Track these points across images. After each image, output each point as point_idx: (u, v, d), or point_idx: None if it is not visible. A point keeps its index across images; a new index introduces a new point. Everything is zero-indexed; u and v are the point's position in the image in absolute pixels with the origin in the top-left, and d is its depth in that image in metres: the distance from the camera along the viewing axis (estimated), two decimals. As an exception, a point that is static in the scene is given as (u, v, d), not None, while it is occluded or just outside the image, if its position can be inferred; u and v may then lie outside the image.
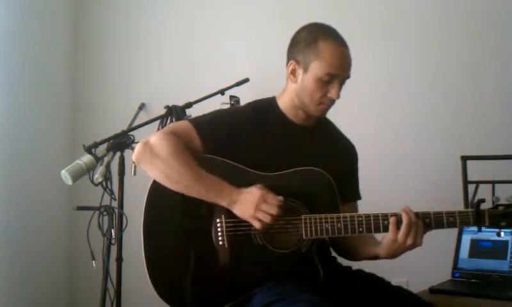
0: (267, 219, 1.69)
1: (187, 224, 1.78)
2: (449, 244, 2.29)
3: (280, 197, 1.71)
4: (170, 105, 2.76)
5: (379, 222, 1.73)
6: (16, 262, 3.20)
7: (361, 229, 1.73)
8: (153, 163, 1.77)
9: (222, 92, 2.88)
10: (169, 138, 1.77)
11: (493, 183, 2.22)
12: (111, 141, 2.52)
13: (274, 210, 1.69)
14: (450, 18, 2.87)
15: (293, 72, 1.84)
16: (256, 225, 1.71)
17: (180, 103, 2.77)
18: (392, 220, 1.71)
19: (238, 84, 2.90)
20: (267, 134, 1.85)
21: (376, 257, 1.82)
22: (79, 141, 2.64)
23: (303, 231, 1.74)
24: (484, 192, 2.17)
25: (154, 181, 1.79)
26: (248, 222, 1.72)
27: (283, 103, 1.89)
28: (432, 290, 2.11)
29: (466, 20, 2.84)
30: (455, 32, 2.85)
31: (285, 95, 1.88)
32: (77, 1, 3.68)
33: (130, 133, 2.59)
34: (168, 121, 2.72)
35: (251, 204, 1.69)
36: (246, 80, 2.92)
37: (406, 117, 2.91)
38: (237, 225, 1.74)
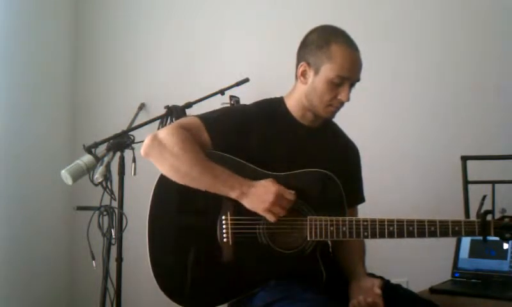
0: (283, 212, 1.72)
1: (192, 220, 1.79)
2: (449, 244, 2.29)
3: (293, 192, 1.74)
4: (170, 105, 2.76)
5: (384, 228, 1.72)
6: (16, 262, 3.20)
7: (366, 233, 1.73)
8: (162, 156, 1.77)
9: (222, 92, 2.88)
10: (178, 132, 1.77)
11: (493, 183, 2.22)
12: (111, 141, 2.52)
13: (290, 204, 1.72)
14: (450, 18, 2.87)
15: (303, 74, 1.84)
16: (270, 218, 1.72)
17: (180, 103, 2.77)
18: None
19: (238, 84, 2.90)
20: (275, 134, 1.85)
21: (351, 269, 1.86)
22: (79, 141, 2.64)
23: (308, 233, 1.74)
24: (484, 192, 2.17)
25: (160, 179, 1.79)
26: (253, 219, 1.73)
27: (291, 104, 1.89)
28: (432, 290, 2.11)
29: (466, 20, 2.84)
30: (455, 32, 2.85)
31: (294, 96, 1.89)
32: (77, 1, 3.68)
33: (130, 133, 2.59)
34: (168, 121, 2.72)
35: (267, 197, 1.70)
36: (246, 80, 2.92)
37: (406, 117, 2.91)
38: (242, 223, 1.75)
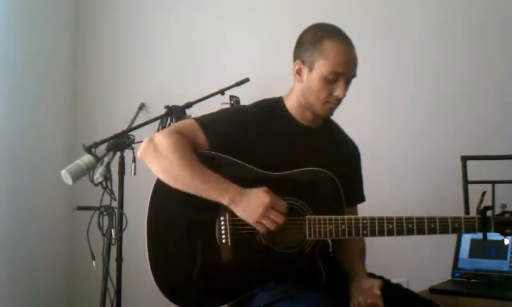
0: (273, 226, 1.70)
1: (190, 221, 1.78)
2: (449, 244, 2.29)
3: (285, 204, 1.71)
4: (170, 105, 2.76)
5: (383, 226, 1.72)
6: (16, 262, 3.20)
7: (365, 232, 1.73)
8: (155, 159, 1.77)
9: (222, 92, 2.88)
10: (173, 136, 1.77)
11: (493, 183, 2.22)
12: (111, 141, 2.52)
13: (281, 219, 1.69)
14: (450, 18, 2.87)
15: (299, 72, 1.84)
16: (261, 230, 1.71)
17: (180, 103, 2.77)
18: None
19: (238, 84, 2.90)
20: (274, 134, 1.85)
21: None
22: (79, 141, 2.64)
23: (307, 232, 1.74)
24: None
25: (158, 180, 1.79)
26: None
27: (290, 104, 1.89)
28: (432, 290, 2.11)
29: (466, 20, 2.84)
30: (455, 32, 2.85)
31: (292, 95, 1.89)
32: (77, 1, 3.68)
33: (130, 133, 2.59)
34: (168, 121, 2.72)
35: (257, 208, 1.68)
36: (246, 80, 2.92)
37: (406, 117, 2.91)
38: (240, 223, 1.74)
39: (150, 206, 1.79)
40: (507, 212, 1.72)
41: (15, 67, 3.26)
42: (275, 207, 1.69)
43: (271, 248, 1.74)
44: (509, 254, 2.18)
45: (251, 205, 1.69)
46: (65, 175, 2.37)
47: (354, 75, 1.82)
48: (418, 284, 2.11)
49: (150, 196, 1.80)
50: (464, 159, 2.45)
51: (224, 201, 1.71)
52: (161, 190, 1.78)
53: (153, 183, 1.80)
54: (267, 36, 3.21)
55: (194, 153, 1.77)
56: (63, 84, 3.60)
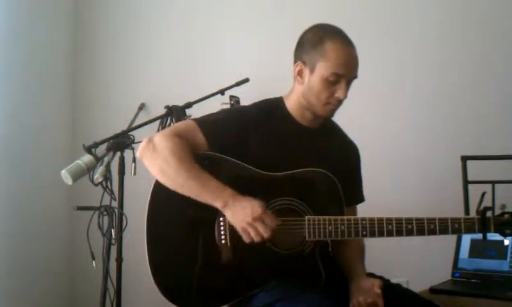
0: (257, 238, 1.69)
1: (190, 222, 1.78)
2: (449, 244, 2.29)
3: (278, 222, 1.70)
4: (170, 105, 2.76)
5: (383, 226, 1.72)
6: (16, 262, 3.20)
7: (364, 232, 1.73)
8: (153, 160, 1.77)
9: (222, 92, 2.88)
10: (171, 138, 1.77)
11: (493, 183, 2.22)
12: (111, 141, 2.52)
13: (267, 233, 1.68)
14: (450, 18, 2.87)
15: (300, 73, 1.84)
16: (245, 238, 1.70)
17: (180, 103, 2.77)
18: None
19: (238, 84, 2.90)
20: (274, 134, 1.85)
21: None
22: (79, 141, 2.64)
23: (306, 233, 1.74)
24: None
25: (157, 180, 1.79)
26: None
27: (290, 104, 1.89)
28: (432, 290, 2.11)
29: (466, 20, 2.84)
30: (455, 32, 2.85)
31: (292, 96, 1.89)
32: (77, 1, 3.68)
33: (130, 133, 2.59)
34: (168, 121, 2.72)
35: (246, 216, 1.67)
36: (246, 80, 2.92)
37: (406, 117, 2.91)
38: None
39: (149, 206, 1.80)
40: (507, 213, 1.72)
41: (15, 67, 3.26)
42: (265, 221, 1.68)
43: (271, 248, 1.74)
44: (509, 254, 2.18)
45: (242, 211, 1.68)
46: (65, 175, 2.37)
47: (355, 76, 1.82)
48: (418, 284, 2.11)
49: (149, 196, 1.80)
50: (464, 159, 2.45)
51: (218, 204, 1.71)
52: (161, 190, 1.77)
53: (153, 183, 1.80)
54: (267, 36, 3.21)
55: (193, 156, 1.77)
56: (63, 84, 3.60)
